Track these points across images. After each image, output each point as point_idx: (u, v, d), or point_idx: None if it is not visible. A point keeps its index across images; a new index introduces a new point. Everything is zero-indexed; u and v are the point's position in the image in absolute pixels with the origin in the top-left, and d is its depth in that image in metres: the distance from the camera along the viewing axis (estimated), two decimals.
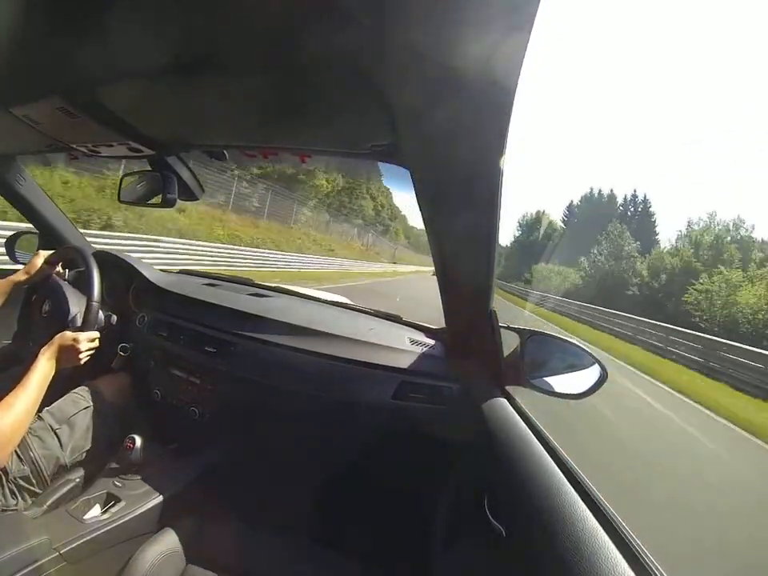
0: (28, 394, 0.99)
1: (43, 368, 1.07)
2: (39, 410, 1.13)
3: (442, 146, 0.63)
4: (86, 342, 1.19)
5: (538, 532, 0.60)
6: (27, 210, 1.64)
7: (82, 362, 1.19)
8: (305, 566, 1.03)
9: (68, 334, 1.16)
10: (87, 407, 1.24)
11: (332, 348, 1.29)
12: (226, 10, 0.52)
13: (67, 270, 1.51)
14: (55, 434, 1.14)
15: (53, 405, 1.19)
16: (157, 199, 1.20)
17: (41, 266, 1.39)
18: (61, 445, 1.14)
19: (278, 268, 14.61)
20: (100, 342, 1.27)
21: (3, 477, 1.01)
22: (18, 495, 1.03)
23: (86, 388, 1.30)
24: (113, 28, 0.59)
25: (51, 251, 1.43)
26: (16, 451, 1.04)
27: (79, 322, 1.30)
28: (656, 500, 3.00)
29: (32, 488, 1.07)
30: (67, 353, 1.14)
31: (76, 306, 1.36)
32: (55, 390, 1.13)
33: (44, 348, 1.10)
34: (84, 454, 1.20)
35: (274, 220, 17.75)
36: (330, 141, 0.93)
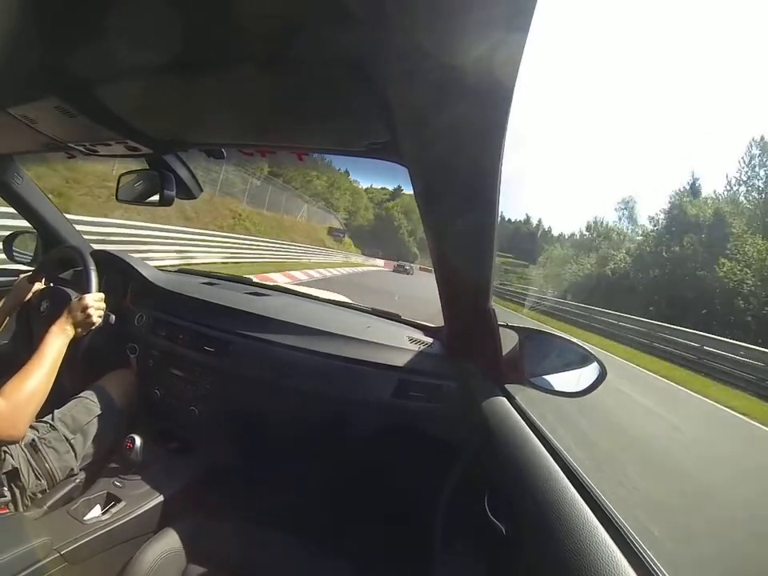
0: (43, 366, 1.00)
1: (57, 339, 1.07)
2: (50, 415, 1.14)
3: (440, 145, 0.63)
4: (94, 301, 1.19)
5: (538, 530, 0.60)
6: (25, 210, 1.63)
7: (95, 322, 1.19)
8: (304, 564, 1.03)
9: (74, 300, 1.17)
10: (98, 413, 1.23)
11: (331, 346, 1.29)
12: (225, 8, 0.52)
13: (51, 284, 1.52)
14: (70, 444, 1.13)
15: (63, 410, 1.18)
16: (155, 198, 1.20)
17: (25, 286, 1.43)
18: (75, 455, 1.14)
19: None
20: (101, 343, 1.27)
21: (18, 491, 1.00)
22: (30, 506, 1.03)
23: (94, 391, 1.29)
24: (110, 27, 0.59)
25: (30, 273, 1.48)
26: (31, 464, 1.04)
27: None
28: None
29: (42, 496, 1.07)
30: (78, 317, 1.14)
31: (75, 297, 1.36)
32: (61, 389, 1.13)
33: (56, 321, 1.11)
34: (92, 459, 1.20)
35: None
36: (327, 139, 0.93)
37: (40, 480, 1.04)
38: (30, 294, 1.44)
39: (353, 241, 44.45)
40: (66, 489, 1.12)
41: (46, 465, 1.06)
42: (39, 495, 1.05)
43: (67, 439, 1.13)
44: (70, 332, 1.12)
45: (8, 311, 1.40)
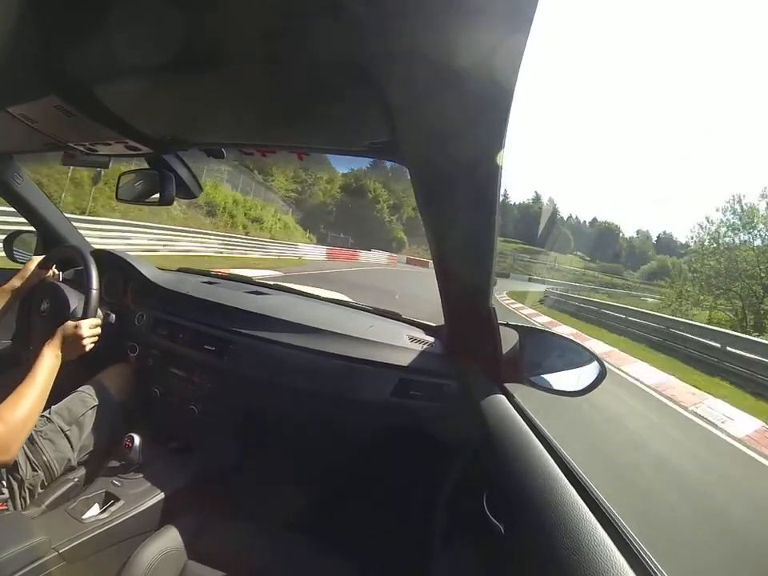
0: (35, 388, 1.00)
1: (48, 362, 1.06)
2: (46, 409, 1.14)
3: (441, 144, 0.63)
4: (88, 329, 1.18)
5: (536, 530, 0.60)
6: (25, 209, 1.63)
7: (87, 350, 1.18)
8: (304, 562, 1.03)
9: (69, 323, 1.16)
10: (94, 405, 1.25)
11: (331, 345, 1.29)
12: (225, 7, 0.52)
13: (61, 273, 1.50)
14: (65, 435, 1.14)
15: (60, 404, 1.19)
16: (155, 197, 1.20)
17: (34, 271, 1.39)
18: (71, 446, 1.15)
19: None
20: (101, 341, 1.27)
21: (16, 484, 1.01)
22: (27, 501, 1.04)
23: (91, 386, 1.30)
24: (110, 26, 0.59)
25: (43, 256, 1.43)
26: (29, 457, 1.05)
27: (80, 315, 1.28)
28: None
29: (41, 490, 1.07)
30: (71, 343, 1.13)
31: (75, 302, 1.35)
32: (60, 387, 1.13)
33: (48, 342, 1.10)
34: (90, 453, 1.21)
35: None
36: (328, 138, 0.93)
37: (37, 471, 1.05)
38: (33, 283, 1.40)
39: (303, 224, 30.46)
40: (64, 488, 1.13)
41: (43, 457, 1.07)
42: (38, 489, 1.06)
43: (63, 431, 1.14)
44: (60, 356, 1.11)
45: (16, 294, 1.35)
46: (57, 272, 1.47)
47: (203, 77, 0.71)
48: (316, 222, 35.08)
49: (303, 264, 19.04)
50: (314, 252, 24.20)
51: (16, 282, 1.35)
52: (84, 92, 0.81)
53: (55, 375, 1.07)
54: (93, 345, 1.21)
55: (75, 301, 1.35)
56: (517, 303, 19.23)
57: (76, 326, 1.16)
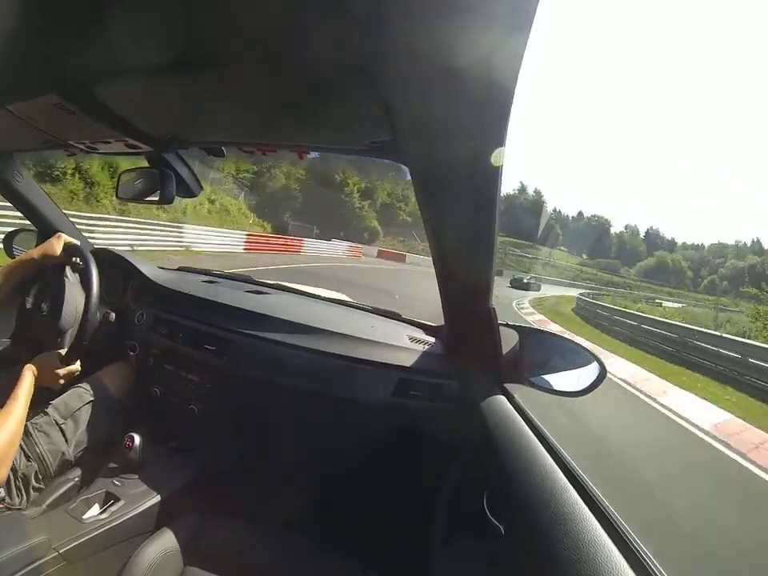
0: (18, 410, 0.99)
1: (27, 386, 1.06)
2: (45, 405, 1.16)
3: (441, 144, 0.63)
4: (68, 370, 1.18)
5: (536, 530, 0.60)
6: (25, 208, 1.63)
7: (57, 386, 1.18)
8: (304, 564, 1.03)
9: (50, 362, 1.15)
10: (91, 401, 1.25)
11: (331, 345, 1.29)
12: (225, 6, 0.52)
13: (80, 263, 1.42)
14: (60, 428, 1.15)
15: (57, 399, 1.20)
16: (155, 196, 1.19)
17: (59, 254, 1.30)
18: (66, 439, 1.15)
19: None
20: (101, 341, 1.26)
21: (11, 474, 1.01)
22: (23, 493, 1.04)
23: (89, 382, 1.30)
24: (111, 25, 0.59)
25: (74, 240, 1.35)
26: (23, 448, 1.05)
27: (68, 341, 1.24)
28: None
29: (38, 484, 1.08)
30: (47, 377, 1.14)
31: (72, 314, 1.29)
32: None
33: (26, 367, 1.09)
34: (87, 449, 1.21)
35: None
36: (328, 137, 0.93)
37: (31, 463, 1.06)
38: (53, 262, 1.31)
39: (258, 211, 26.02)
40: (64, 487, 1.13)
41: (37, 449, 1.08)
42: (33, 482, 1.06)
43: (57, 423, 1.15)
44: (34, 383, 1.09)
45: (28, 266, 1.27)
46: (80, 263, 1.36)
47: (203, 76, 0.71)
48: (275, 208, 30.07)
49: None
50: (220, 240, 16.56)
51: (35, 254, 1.27)
52: (84, 90, 0.81)
53: (30, 399, 1.06)
54: (63, 384, 1.20)
55: (72, 315, 1.30)
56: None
57: (56, 369, 1.15)
